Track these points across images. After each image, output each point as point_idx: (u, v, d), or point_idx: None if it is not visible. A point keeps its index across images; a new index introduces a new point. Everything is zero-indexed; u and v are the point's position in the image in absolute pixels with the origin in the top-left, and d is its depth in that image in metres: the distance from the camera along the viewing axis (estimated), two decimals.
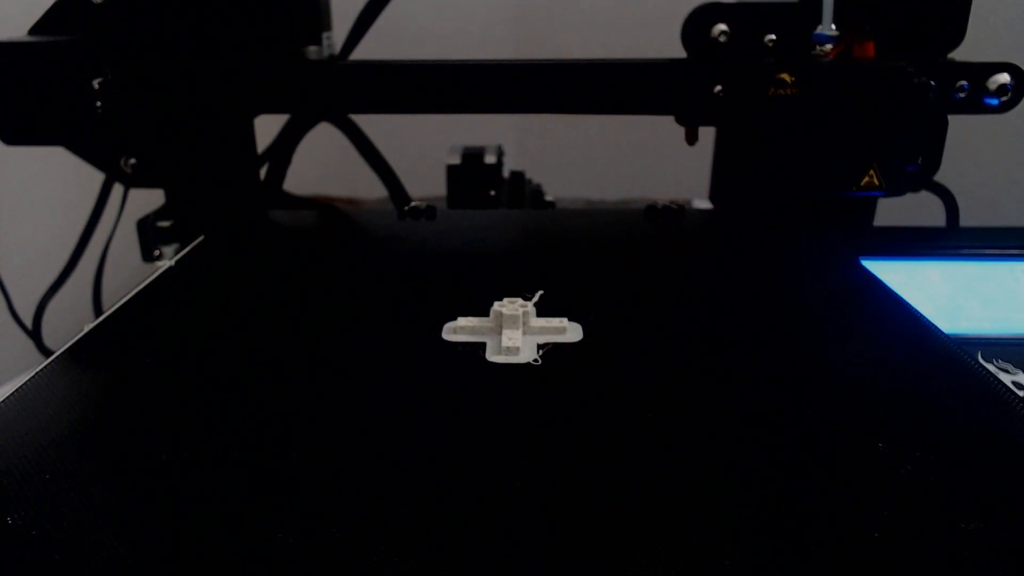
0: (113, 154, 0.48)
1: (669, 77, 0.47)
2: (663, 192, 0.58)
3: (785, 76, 0.43)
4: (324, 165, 0.70)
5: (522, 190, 0.64)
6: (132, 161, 0.48)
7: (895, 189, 0.46)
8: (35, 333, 0.58)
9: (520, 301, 0.32)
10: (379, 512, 0.21)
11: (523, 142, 0.95)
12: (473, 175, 0.61)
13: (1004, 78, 0.45)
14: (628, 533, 0.20)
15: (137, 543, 0.19)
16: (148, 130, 0.47)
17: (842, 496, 0.21)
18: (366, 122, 0.60)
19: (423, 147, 0.71)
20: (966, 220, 0.55)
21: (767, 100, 0.44)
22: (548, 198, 0.67)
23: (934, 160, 0.47)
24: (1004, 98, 0.45)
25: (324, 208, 0.64)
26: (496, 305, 0.32)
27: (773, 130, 0.45)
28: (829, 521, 0.20)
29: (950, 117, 0.46)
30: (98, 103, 0.46)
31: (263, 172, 0.58)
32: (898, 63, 0.43)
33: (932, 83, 0.44)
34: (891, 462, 0.23)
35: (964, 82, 0.45)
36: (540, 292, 0.34)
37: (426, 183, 0.67)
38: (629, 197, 0.73)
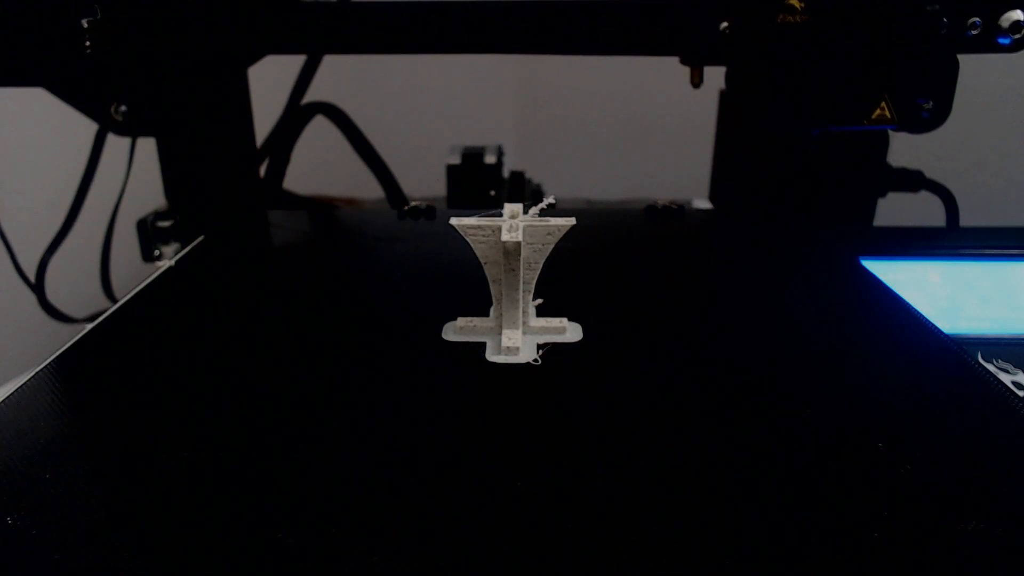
0: (103, 100, 0.45)
1: (674, 16, 0.46)
2: (663, 192, 0.58)
3: (794, 2, 0.42)
4: (324, 165, 0.70)
5: (522, 190, 0.64)
6: (123, 108, 0.45)
7: (907, 124, 0.45)
8: (38, 287, 0.57)
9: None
10: (379, 512, 0.21)
11: (523, 142, 0.95)
12: (473, 175, 0.61)
13: (1018, 15, 0.43)
14: (628, 533, 0.20)
15: (137, 543, 0.19)
16: (140, 74, 0.44)
17: (842, 496, 0.21)
18: (366, 122, 0.60)
19: (423, 147, 0.71)
20: (966, 220, 0.55)
21: (776, 28, 0.43)
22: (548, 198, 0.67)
23: (945, 103, 0.45)
24: (1017, 36, 0.43)
25: (324, 208, 0.64)
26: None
27: (782, 59, 0.44)
28: (829, 521, 0.20)
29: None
30: (87, 43, 0.43)
31: (263, 172, 0.58)
32: None
33: (944, 19, 0.42)
34: (891, 462, 0.23)
35: (976, 19, 0.43)
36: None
37: (426, 183, 0.67)
38: (629, 197, 0.73)
